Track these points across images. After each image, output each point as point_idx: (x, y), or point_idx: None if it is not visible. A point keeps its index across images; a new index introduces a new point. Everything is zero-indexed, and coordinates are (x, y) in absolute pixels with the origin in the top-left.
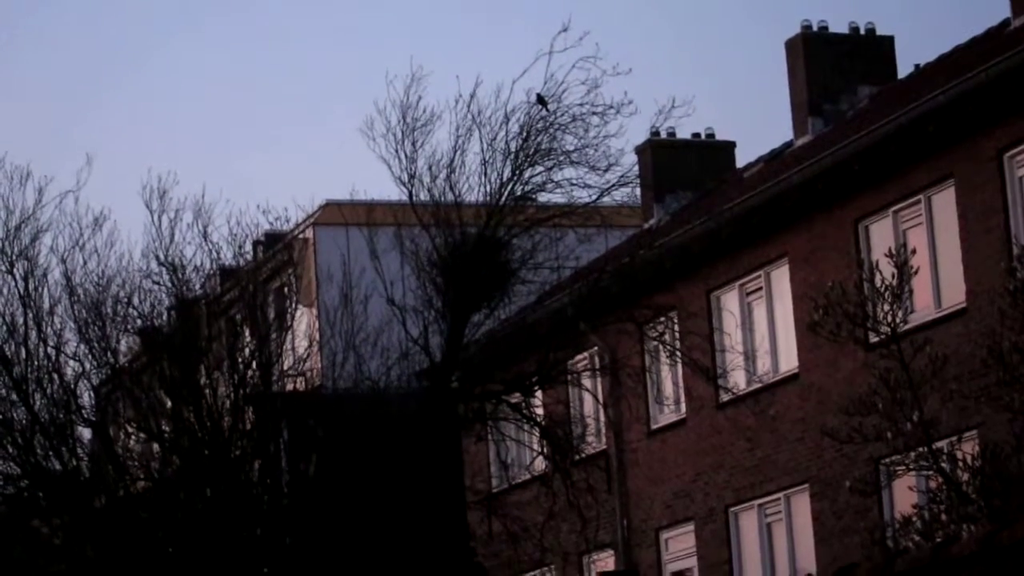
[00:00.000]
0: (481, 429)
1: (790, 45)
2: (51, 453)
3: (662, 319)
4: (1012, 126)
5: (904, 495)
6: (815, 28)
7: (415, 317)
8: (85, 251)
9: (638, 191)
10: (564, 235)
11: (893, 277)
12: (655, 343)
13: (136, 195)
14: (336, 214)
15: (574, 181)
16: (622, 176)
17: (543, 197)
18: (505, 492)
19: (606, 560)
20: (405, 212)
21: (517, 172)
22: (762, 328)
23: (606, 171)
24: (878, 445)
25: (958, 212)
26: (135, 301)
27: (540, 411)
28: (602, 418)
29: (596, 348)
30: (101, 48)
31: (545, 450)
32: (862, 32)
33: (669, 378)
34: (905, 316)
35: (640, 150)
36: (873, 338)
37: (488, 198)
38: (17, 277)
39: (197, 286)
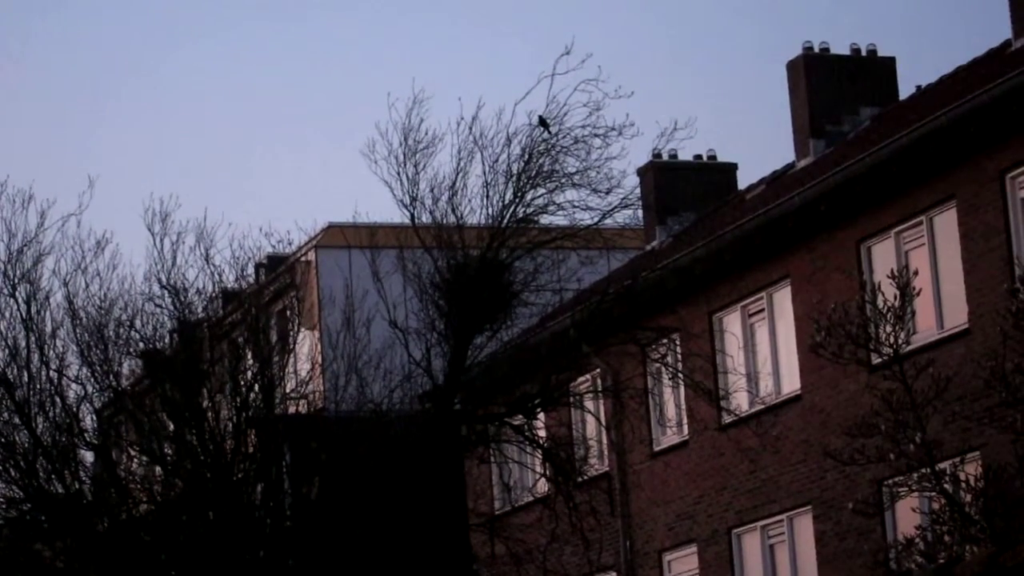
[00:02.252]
0: (484, 451)
1: (792, 67)
2: (53, 476)
3: (664, 341)
4: (1014, 147)
5: (907, 516)
6: (817, 49)
7: (417, 339)
8: (87, 274)
9: (640, 213)
10: (566, 257)
11: (895, 298)
12: (657, 365)
13: (138, 218)
14: (338, 236)
15: (576, 203)
16: (624, 198)
17: (545, 219)
18: (508, 514)
19: None
20: (407, 234)
21: (519, 194)
22: (764, 349)
23: (608, 193)
24: (881, 466)
25: (960, 233)
26: (137, 324)
27: (542, 433)
28: (604, 440)
29: (598, 370)
30: (103, 71)
31: (548, 472)
32: (863, 53)
33: (671, 400)
34: (907, 337)
35: (642, 172)
36: (875, 359)
37: (490, 220)
38: (19, 300)
39: (199, 309)
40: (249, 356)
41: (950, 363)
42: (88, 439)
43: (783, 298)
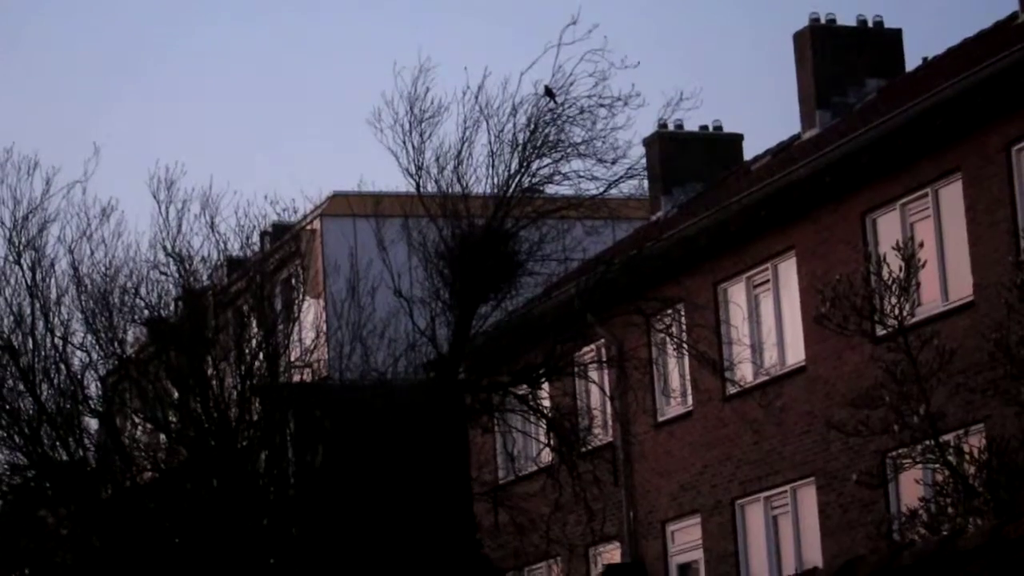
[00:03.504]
0: (488, 421)
1: (798, 38)
2: (58, 443)
3: (669, 311)
4: (1020, 119)
5: (910, 488)
6: (823, 21)
7: (422, 308)
8: (92, 241)
9: (645, 183)
10: (571, 227)
11: (900, 270)
12: (662, 335)
13: (143, 186)
14: (343, 205)
15: (581, 173)
16: (629, 168)
17: (550, 189)
18: (511, 484)
19: (612, 552)
20: (412, 203)
21: (524, 164)
22: (769, 321)
23: (613, 163)
24: (885, 438)
25: (965, 205)
26: (142, 292)
27: (547, 403)
28: (609, 410)
29: (603, 340)
30: (110, 40)
31: (552, 442)
32: (870, 25)
33: (676, 370)
34: (912, 309)
35: (648, 142)
36: (880, 331)
37: (495, 190)
38: (24, 267)
39: (204, 277)
40: (254, 324)
41: (955, 335)
42: (92, 406)
43: (788, 269)
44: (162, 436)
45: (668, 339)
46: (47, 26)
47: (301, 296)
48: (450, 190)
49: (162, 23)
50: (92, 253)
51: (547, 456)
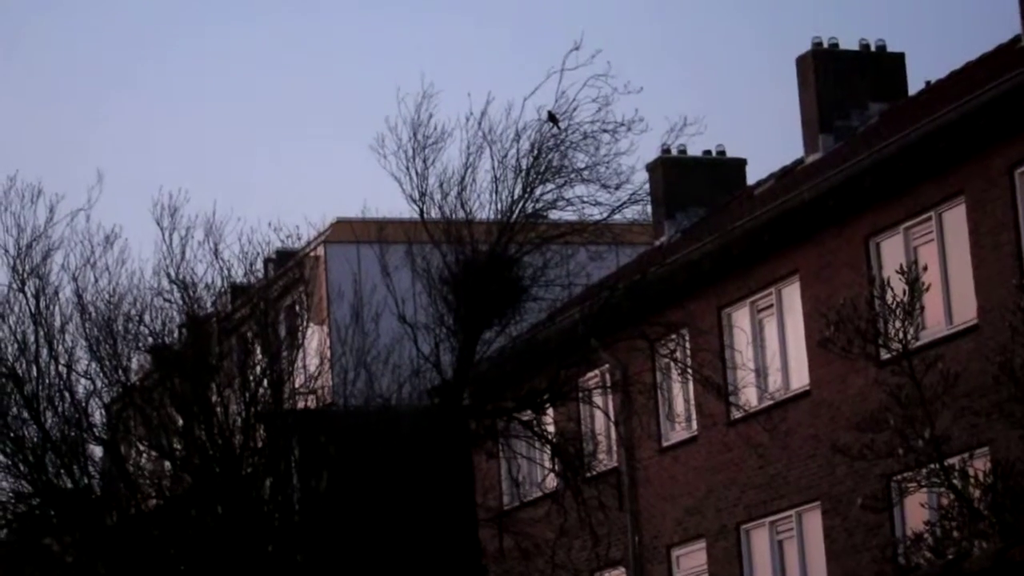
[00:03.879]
0: (492, 446)
1: (801, 62)
2: (62, 471)
3: (673, 336)
4: (1023, 142)
5: (916, 512)
6: (826, 45)
7: (426, 334)
8: (96, 269)
9: (649, 208)
10: (575, 252)
11: (904, 294)
12: (666, 360)
13: (147, 213)
14: (347, 231)
15: (585, 198)
16: (633, 193)
17: (554, 214)
18: (516, 509)
19: None
20: (416, 229)
21: (528, 189)
22: (773, 345)
23: (617, 188)
24: (889, 462)
25: (969, 228)
26: (146, 319)
27: (551, 428)
28: (613, 435)
29: (607, 365)
30: (112, 65)
31: (556, 467)
32: (872, 49)
33: (680, 395)
34: (916, 333)
35: (651, 167)
36: (884, 355)
37: (499, 215)
38: (28, 295)
39: (208, 304)
40: (258, 351)
41: (959, 358)
42: (97, 434)
43: (792, 293)
44: (166, 463)
45: (672, 364)
46: (47, 53)
47: (305, 323)
48: (454, 216)
49: (164, 47)
50: (96, 280)
51: (552, 481)
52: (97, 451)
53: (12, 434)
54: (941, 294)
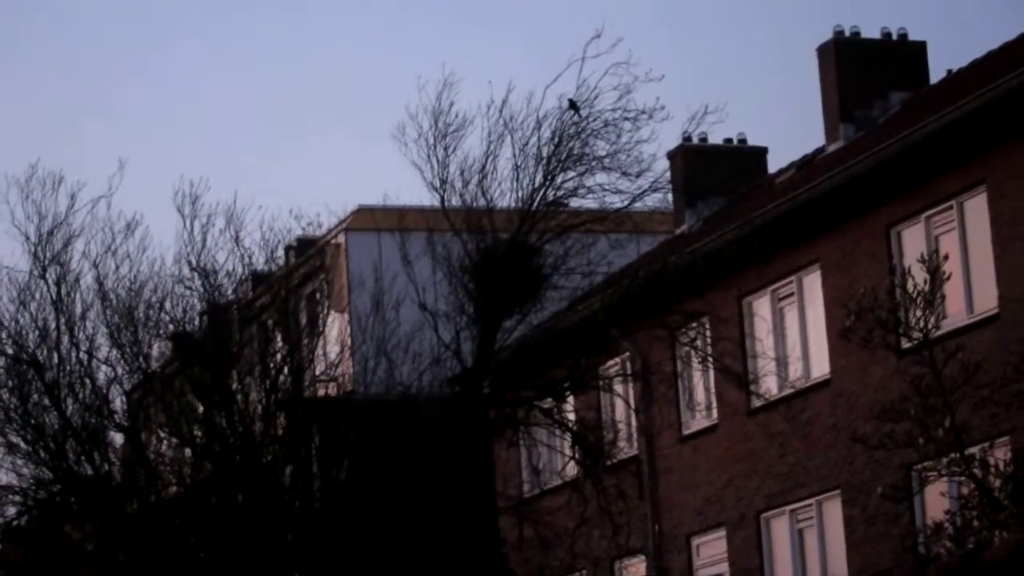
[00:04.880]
0: (512, 435)
1: (822, 51)
2: (83, 458)
3: (694, 325)
4: None
5: (936, 501)
6: (847, 34)
7: (447, 322)
8: (117, 256)
9: (670, 197)
10: (596, 240)
11: (925, 283)
12: (686, 349)
13: (168, 200)
14: (368, 219)
15: (606, 186)
16: (654, 182)
17: (575, 202)
18: (536, 498)
19: (637, 566)
20: (437, 217)
21: (549, 177)
22: (793, 334)
23: (638, 176)
24: (910, 451)
25: (990, 218)
26: (167, 306)
27: (571, 416)
28: (633, 423)
29: (627, 354)
30: (134, 52)
31: (576, 455)
32: (894, 38)
33: (700, 384)
34: (937, 322)
35: (672, 156)
36: (905, 344)
37: (520, 203)
38: (50, 282)
39: (229, 291)
40: (278, 339)
41: (979, 348)
42: (117, 421)
43: (812, 282)
44: (187, 451)
45: (693, 352)
46: (69, 39)
47: (326, 310)
48: (474, 204)
49: (187, 34)
50: (117, 268)
51: (572, 470)
52: (117, 438)
53: (33, 421)
54: (962, 283)
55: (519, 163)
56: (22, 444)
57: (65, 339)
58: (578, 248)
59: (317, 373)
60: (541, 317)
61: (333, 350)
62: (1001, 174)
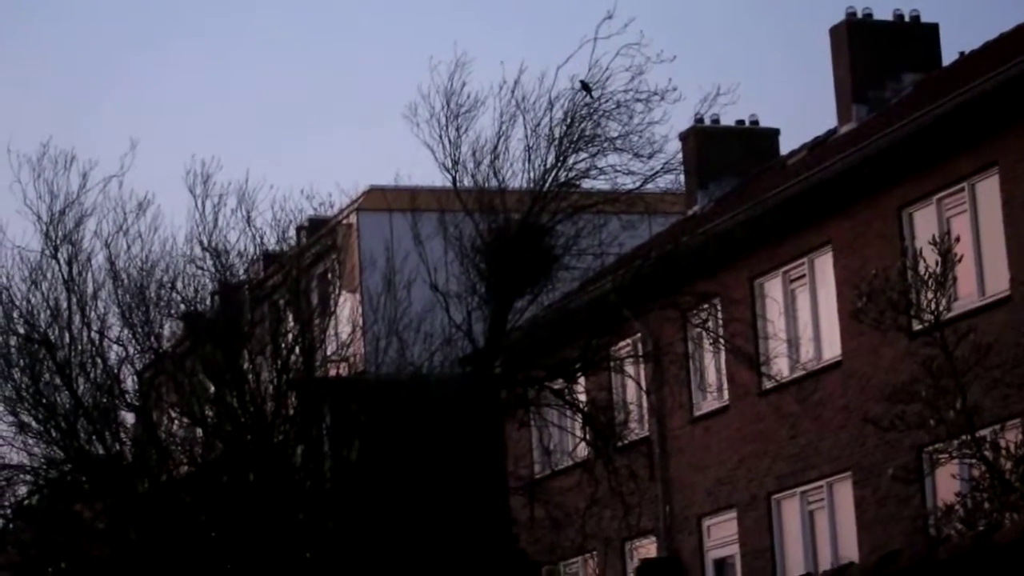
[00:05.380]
0: (523, 415)
1: (834, 32)
2: (94, 437)
3: (705, 306)
4: None
5: (947, 483)
6: (860, 15)
7: (458, 303)
8: (129, 236)
9: (682, 178)
10: (607, 221)
11: (937, 265)
12: (698, 330)
13: (180, 180)
14: (380, 199)
15: (618, 167)
16: (666, 163)
17: (587, 183)
18: (547, 478)
19: (648, 547)
20: (449, 198)
21: (561, 158)
22: (805, 315)
23: (650, 158)
24: (921, 433)
25: (1002, 199)
26: (179, 286)
27: (583, 397)
28: (644, 404)
29: (639, 334)
30: (147, 31)
31: (587, 436)
32: (907, 19)
33: (712, 365)
34: (948, 304)
35: (684, 137)
36: (916, 326)
37: (532, 184)
38: (61, 261)
39: (241, 271)
40: (290, 318)
41: (991, 330)
42: (129, 400)
43: (824, 264)
44: (198, 430)
45: (704, 334)
46: (86, 15)
47: (337, 290)
48: (486, 184)
49: (200, 14)
50: (128, 247)
51: (583, 450)
52: (129, 418)
53: (44, 400)
54: (974, 265)
55: (531, 144)
56: (34, 423)
57: (77, 319)
58: (590, 229)
59: (328, 353)
60: (553, 298)
61: (345, 330)
62: (1013, 156)
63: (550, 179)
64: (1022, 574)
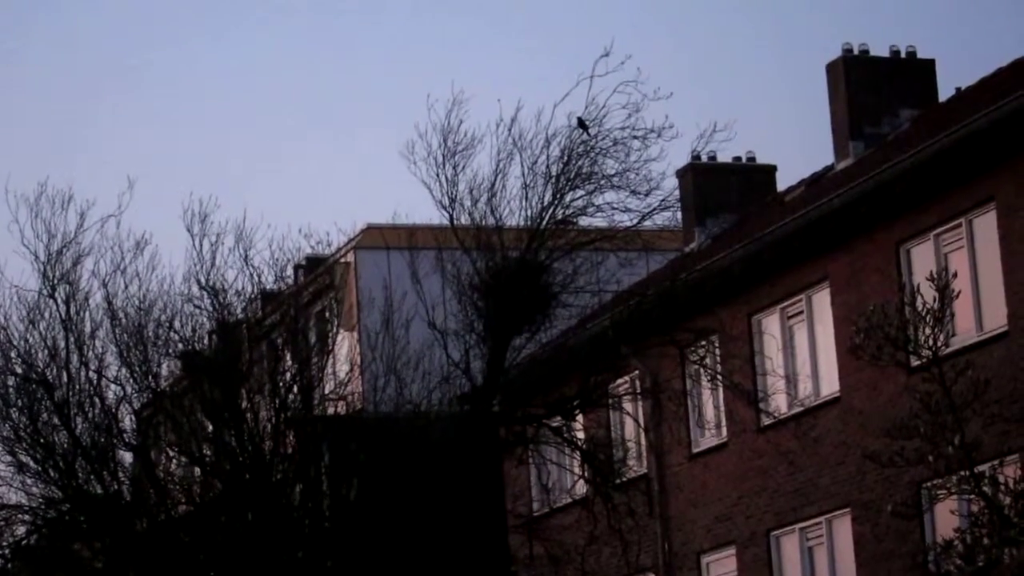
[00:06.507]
0: (522, 453)
1: (831, 68)
2: (93, 477)
3: (703, 342)
4: None
5: (946, 519)
6: (856, 51)
7: (456, 340)
8: (127, 275)
9: (679, 215)
10: (605, 259)
11: (934, 300)
12: (696, 366)
13: (178, 219)
14: (377, 237)
15: (615, 205)
16: (663, 200)
17: (584, 221)
18: (546, 515)
19: None
20: (446, 235)
21: (558, 196)
22: (803, 351)
23: (647, 195)
24: (920, 469)
25: (999, 235)
26: (176, 325)
27: (581, 435)
28: (643, 441)
29: (637, 371)
30: (142, 70)
31: (586, 474)
32: (903, 55)
33: (710, 401)
34: (946, 339)
35: (681, 174)
36: (914, 361)
37: (529, 221)
38: (59, 301)
39: (238, 310)
40: (288, 357)
41: (989, 365)
42: (127, 440)
43: (822, 300)
44: (196, 469)
45: (702, 370)
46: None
47: (335, 329)
48: (484, 222)
49: (195, 52)
50: (126, 286)
51: (582, 488)
52: (127, 457)
53: (42, 440)
54: (971, 300)
55: (528, 181)
56: (32, 463)
57: (74, 358)
58: (587, 266)
59: (327, 391)
60: (551, 335)
61: (343, 368)
62: (1010, 191)
63: (547, 216)
64: None
